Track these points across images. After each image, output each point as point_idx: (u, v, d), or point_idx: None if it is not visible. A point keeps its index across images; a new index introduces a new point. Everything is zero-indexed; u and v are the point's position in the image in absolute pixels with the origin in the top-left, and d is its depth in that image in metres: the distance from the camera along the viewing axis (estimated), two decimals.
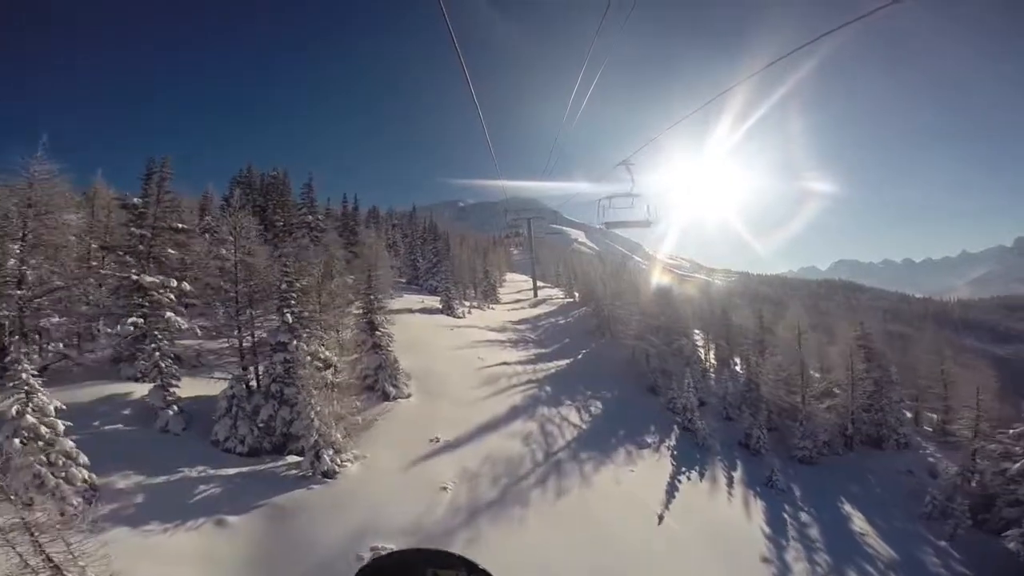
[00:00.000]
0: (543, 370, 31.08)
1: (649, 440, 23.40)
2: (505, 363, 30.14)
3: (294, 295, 18.31)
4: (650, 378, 31.75)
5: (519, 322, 44.49)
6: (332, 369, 17.84)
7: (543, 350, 36.12)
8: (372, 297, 22.99)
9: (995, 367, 30.75)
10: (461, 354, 29.83)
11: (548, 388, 27.42)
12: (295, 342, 17.32)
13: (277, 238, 33.75)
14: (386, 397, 21.60)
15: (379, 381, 21.64)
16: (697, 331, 43.98)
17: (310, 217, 36.06)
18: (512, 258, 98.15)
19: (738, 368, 44.65)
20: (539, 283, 68.43)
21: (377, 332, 22.16)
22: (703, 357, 36.63)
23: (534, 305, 55.90)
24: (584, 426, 23.61)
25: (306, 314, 18.13)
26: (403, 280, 53.79)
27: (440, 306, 39.26)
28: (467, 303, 45.68)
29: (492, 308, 48.31)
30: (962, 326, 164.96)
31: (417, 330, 31.83)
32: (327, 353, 18.08)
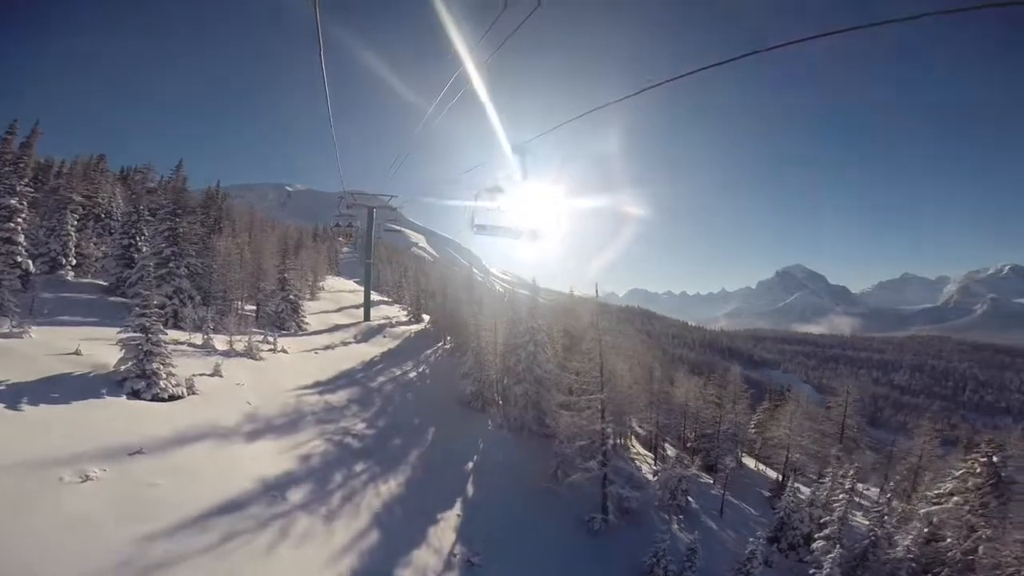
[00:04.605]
0: None
1: None
2: None
3: None
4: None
5: (328, 385, 22.91)
6: None
7: (390, 487, 15.60)
8: None
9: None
10: None
11: None
12: None
13: None
14: None
15: None
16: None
17: None
18: (340, 257, 73.31)
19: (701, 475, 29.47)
20: (374, 295, 46.80)
21: None
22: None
23: (363, 337, 34.39)
24: None
25: None
26: (92, 287, 27.18)
27: (128, 373, 15.44)
28: (221, 349, 22.33)
29: (283, 349, 25.41)
30: (729, 353, 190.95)
31: None
32: None
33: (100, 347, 17.08)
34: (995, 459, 15.75)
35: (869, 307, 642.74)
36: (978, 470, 15.87)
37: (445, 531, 14.71)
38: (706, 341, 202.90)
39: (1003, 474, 15.60)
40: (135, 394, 15.17)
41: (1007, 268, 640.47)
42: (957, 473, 16.42)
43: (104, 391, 14.73)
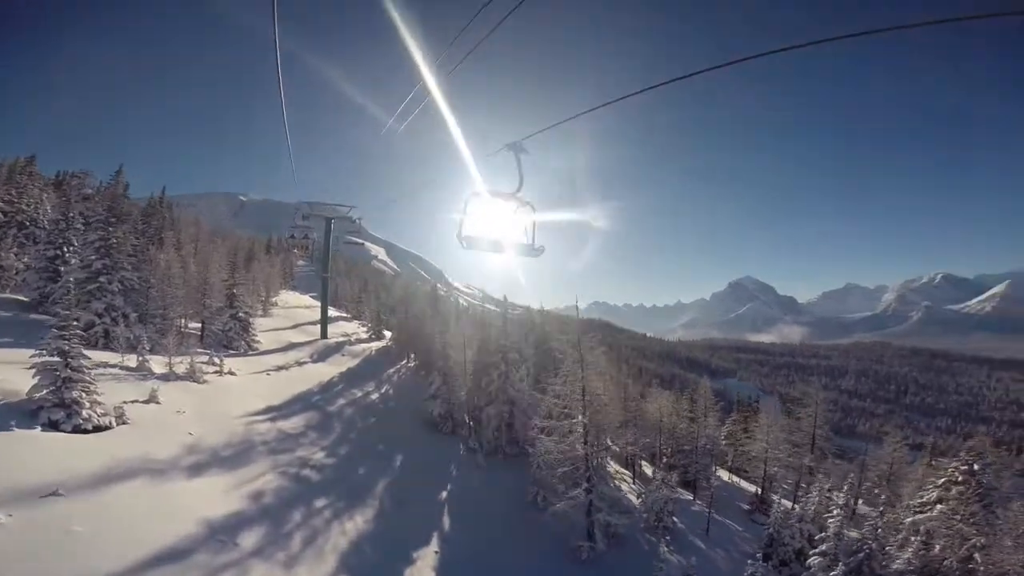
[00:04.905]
0: None
1: None
2: None
3: None
4: None
5: (281, 411, 20.93)
6: None
7: (356, 524, 13.93)
8: None
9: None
10: None
11: None
12: None
13: None
14: None
15: None
16: None
17: None
18: (296, 271, 70.00)
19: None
20: (332, 311, 44.56)
21: None
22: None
23: (320, 356, 32.28)
24: None
25: None
26: (10, 303, 24.24)
27: (44, 402, 13.20)
28: (158, 372, 19.99)
29: (231, 371, 23.18)
30: (688, 364, 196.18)
31: None
32: None
33: (13, 372, 14.64)
34: (976, 467, 15.71)
35: (815, 316, 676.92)
36: (960, 478, 15.79)
37: (423, 571, 13.18)
38: (665, 352, 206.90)
39: (984, 481, 15.55)
40: (53, 425, 12.96)
41: (939, 277, 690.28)
42: (939, 481, 16.33)
43: (13, 423, 12.47)
